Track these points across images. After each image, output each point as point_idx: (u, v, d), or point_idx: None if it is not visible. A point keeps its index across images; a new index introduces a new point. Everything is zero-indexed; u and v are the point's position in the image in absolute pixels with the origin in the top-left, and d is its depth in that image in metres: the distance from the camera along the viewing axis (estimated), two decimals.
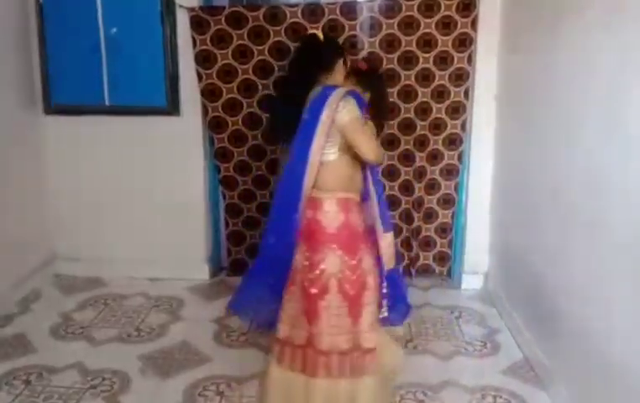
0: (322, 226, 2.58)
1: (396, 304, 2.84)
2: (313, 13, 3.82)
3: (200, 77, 3.96)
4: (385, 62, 3.87)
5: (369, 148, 2.58)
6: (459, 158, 4.07)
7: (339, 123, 2.52)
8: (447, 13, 3.78)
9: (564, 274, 2.84)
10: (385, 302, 2.71)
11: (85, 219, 4.32)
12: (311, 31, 2.83)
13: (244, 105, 4.01)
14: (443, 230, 4.23)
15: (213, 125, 4.07)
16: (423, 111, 3.97)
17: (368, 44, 3.84)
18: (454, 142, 4.04)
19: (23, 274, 4.04)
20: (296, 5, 3.85)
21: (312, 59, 2.75)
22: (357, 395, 2.59)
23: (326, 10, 3.81)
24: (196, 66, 3.94)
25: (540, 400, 2.94)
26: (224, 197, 4.25)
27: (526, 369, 3.18)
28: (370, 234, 2.72)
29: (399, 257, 3.92)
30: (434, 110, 3.97)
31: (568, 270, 2.80)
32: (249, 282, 2.89)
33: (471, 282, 4.18)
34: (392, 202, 4.06)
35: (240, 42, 3.88)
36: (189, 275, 4.26)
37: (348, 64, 2.90)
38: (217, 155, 4.15)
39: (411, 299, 3.08)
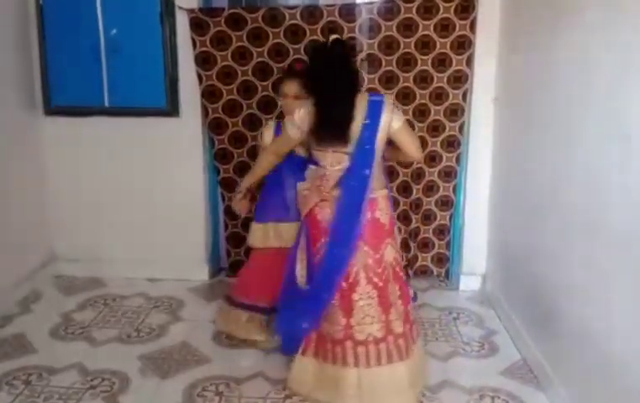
0: None
1: None
2: (312, 14, 3.83)
3: (200, 79, 3.96)
4: (383, 64, 3.89)
5: (417, 147, 2.93)
6: (458, 160, 4.09)
7: (395, 127, 2.81)
8: (445, 15, 3.79)
9: (564, 275, 2.85)
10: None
11: (85, 219, 4.32)
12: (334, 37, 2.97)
13: (244, 106, 4.02)
14: (442, 231, 4.24)
15: (213, 126, 4.08)
16: (422, 113, 3.99)
17: (367, 46, 3.86)
18: (453, 144, 4.05)
19: (23, 274, 4.04)
20: (295, 7, 3.86)
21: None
22: (392, 379, 2.82)
23: (325, 12, 3.82)
24: (196, 68, 3.95)
25: (539, 401, 2.94)
26: (223, 199, 4.26)
27: (524, 370, 3.19)
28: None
29: None
30: (433, 112, 3.98)
31: (567, 270, 2.81)
32: (304, 304, 2.94)
33: (469, 283, 4.20)
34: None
35: (240, 44, 3.89)
36: (189, 276, 4.27)
37: None
38: (217, 157, 4.15)
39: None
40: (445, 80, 3.92)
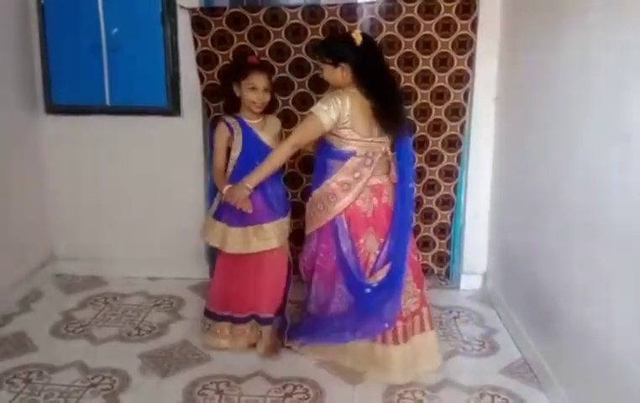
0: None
1: None
2: (313, 14, 3.83)
3: (201, 78, 3.96)
4: None
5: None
6: (458, 159, 4.08)
7: None
8: (447, 14, 3.79)
9: (564, 275, 2.85)
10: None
11: (85, 218, 4.32)
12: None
13: None
14: (442, 230, 4.24)
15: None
16: (423, 112, 3.98)
17: None
18: (454, 143, 4.05)
19: (24, 273, 4.05)
20: (296, 6, 3.86)
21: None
22: (424, 348, 3.18)
23: (326, 11, 3.82)
24: (197, 67, 3.95)
25: (539, 400, 2.95)
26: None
27: (524, 370, 3.19)
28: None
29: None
30: (434, 111, 3.98)
31: (567, 270, 2.81)
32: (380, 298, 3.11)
33: (470, 282, 4.21)
34: None
35: (241, 43, 3.89)
36: (189, 274, 4.28)
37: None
38: None
39: None
40: (446, 79, 3.92)
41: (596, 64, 2.52)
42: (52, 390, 2.97)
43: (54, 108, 4.14)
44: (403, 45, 3.85)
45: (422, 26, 3.82)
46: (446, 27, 3.82)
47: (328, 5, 3.84)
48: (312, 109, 3.06)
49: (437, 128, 4.02)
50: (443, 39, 3.84)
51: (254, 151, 3.25)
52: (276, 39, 3.87)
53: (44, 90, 4.12)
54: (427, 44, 3.85)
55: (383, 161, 3.15)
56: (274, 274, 3.34)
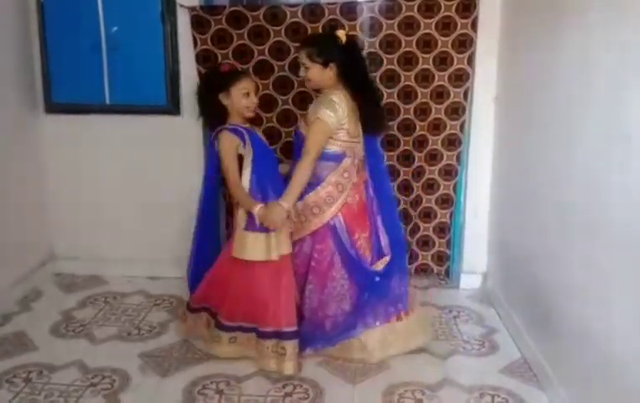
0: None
1: None
2: (313, 13, 3.83)
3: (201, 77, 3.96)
4: (385, 63, 3.88)
5: None
6: (458, 158, 4.08)
7: None
8: (447, 13, 3.79)
9: (564, 274, 2.85)
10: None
11: (85, 217, 4.32)
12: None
13: None
14: (442, 230, 4.24)
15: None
16: (423, 111, 3.98)
17: (368, 45, 3.85)
18: (453, 142, 4.05)
19: (24, 272, 4.05)
20: (296, 5, 3.86)
21: None
22: (413, 325, 3.34)
23: (326, 10, 3.82)
24: (197, 66, 3.95)
25: (539, 400, 2.94)
26: (224, 197, 4.25)
27: (524, 369, 3.19)
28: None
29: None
30: (434, 110, 3.98)
31: (567, 270, 2.80)
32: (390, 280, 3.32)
33: (469, 282, 4.20)
34: None
35: (240, 42, 3.89)
36: None
37: None
38: None
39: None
40: (446, 78, 3.92)
41: (596, 64, 2.52)
42: (52, 390, 2.97)
43: (53, 107, 4.14)
44: (403, 44, 3.85)
45: (422, 25, 3.81)
46: (446, 26, 3.82)
47: (328, 4, 3.83)
48: (318, 115, 3.06)
49: (436, 127, 4.01)
50: (443, 38, 3.84)
51: (263, 156, 3.20)
52: (276, 38, 3.87)
53: (44, 89, 4.11)
54: (427, 43, 3.85)
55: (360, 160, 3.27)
56: (289, 281, 3.18)
